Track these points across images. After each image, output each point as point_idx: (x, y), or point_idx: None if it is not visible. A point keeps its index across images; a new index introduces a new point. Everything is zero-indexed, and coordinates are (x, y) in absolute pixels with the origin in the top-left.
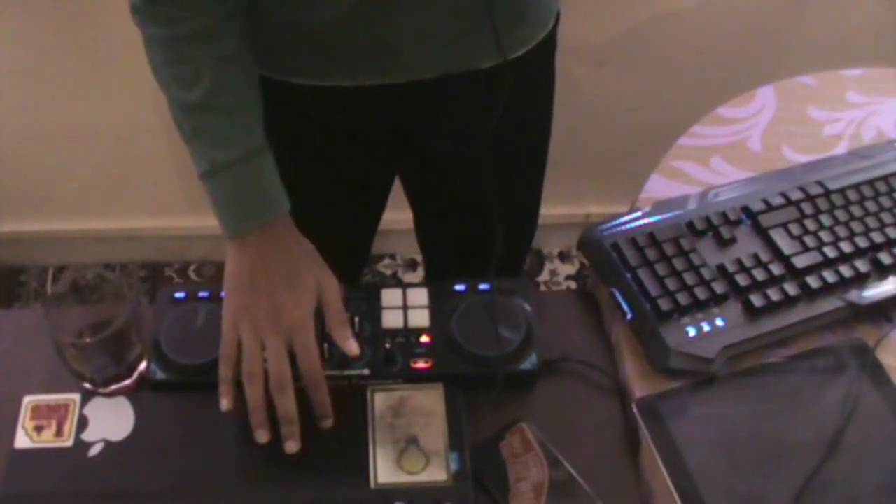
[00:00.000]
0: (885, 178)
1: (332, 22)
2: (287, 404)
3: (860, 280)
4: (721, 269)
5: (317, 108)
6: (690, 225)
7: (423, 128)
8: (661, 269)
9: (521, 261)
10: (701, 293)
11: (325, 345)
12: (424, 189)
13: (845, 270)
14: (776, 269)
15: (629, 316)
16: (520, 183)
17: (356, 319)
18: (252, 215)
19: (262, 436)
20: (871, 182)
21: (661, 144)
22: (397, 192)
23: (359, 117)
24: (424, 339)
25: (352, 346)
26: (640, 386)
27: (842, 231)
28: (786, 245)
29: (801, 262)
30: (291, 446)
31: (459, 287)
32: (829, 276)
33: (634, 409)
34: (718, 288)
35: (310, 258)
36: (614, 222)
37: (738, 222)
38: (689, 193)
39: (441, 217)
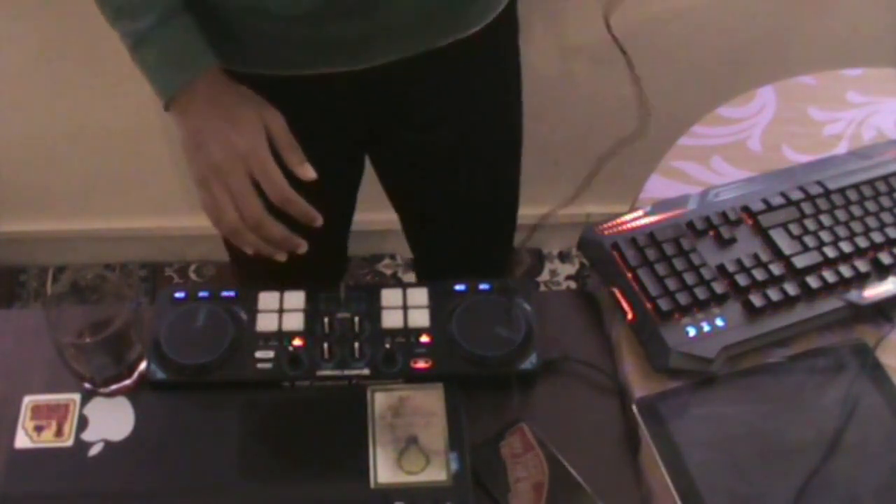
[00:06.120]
0: (885, 178)
1: (300, 14)
2: (269, 233)
3: (860, 280)
4: (721, 269)
5: (277, 96)
6: (690, 225)
7: (390, 116)
8: (661, 269)
9: (502, 255)
10: (701, 293)
11: (325, 345)
12: (402, 186)
13: (845, 270)
14: (776, 269)
15: (629, 316)
16: (493, 170)
17: (356, 319)
18: (180, 72)
19: (300, 245)
20: (871, 182)
21: (661, 144)
22: None
23: (321, 106)
24: (424, 339)
25: (307, 171)
26: (640, 386)
27: (842, 231)
28: (786, 245)
29: (801, 262)
30: (301, 245)
31: (459, 287)
32: (829, 276)
33: (634, 409)
34: (718, 288)
35: (246, 98)
36: (614, 222)
37: (738, 222)
38: (689, 193)
39: (423, 214)
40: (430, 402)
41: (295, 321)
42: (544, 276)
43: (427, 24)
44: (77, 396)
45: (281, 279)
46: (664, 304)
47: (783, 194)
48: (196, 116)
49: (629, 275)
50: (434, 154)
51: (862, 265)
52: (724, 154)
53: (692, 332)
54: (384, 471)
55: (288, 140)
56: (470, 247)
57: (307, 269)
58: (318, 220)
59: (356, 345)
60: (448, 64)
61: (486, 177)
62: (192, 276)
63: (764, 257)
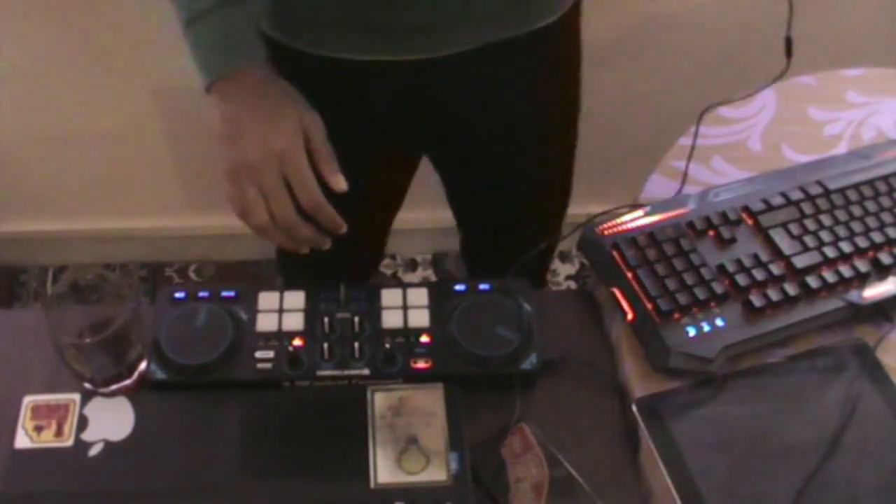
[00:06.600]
0: (885, 178)
1: None
2: (297, 235)
3: (860, 280)
4: (721, 269)
5: (336, 80)
6: (690, 225)
7: (450, 105)
8: (661, 269)
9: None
10: (701, 293)
11: (325, 345)
12: (455, 165)
13: (845, 270)
14: (776, 269)
15: (629, 316)
16: (551, 157)
17: (356, 319)
18: (231, 56)
19: (325, 242)
20: (871, 182)
21: (661, 144)
22: None
23: (381, 93)
24: (424, 339)
25: (339, 181)
26: (640, 386)
27: (842, 231)
28: (786, 245)
29: (801, 262)
30: (325, 242)
31: (459, 287)
32: (829, 276)
33: (634, 409)
34: (718, 288)
35: (290, 98)
36: (614, 222)
37: (738, 222)
38: (689, 193)
39: (475, 203)
40: (430, 402)
41: (295, 321)
42: None
43: (500, 14)
44: (77, 396)
45: (320, 270)
46: (664, 304)
47: (783, 194)
48: (237, 106)
49: (629, 275)
50: (491, 142)
51: (862, 265)
52: (724, 154)
53: (692, 332)
54: (384, 471)
55: (325, 147)
56: (518, 237)
57: (347, 261)
58: (343, 228)
59: (356, 345)
60: (517, 55)
61: (543, 167)
62: (192, 276)
63: (764, 257)
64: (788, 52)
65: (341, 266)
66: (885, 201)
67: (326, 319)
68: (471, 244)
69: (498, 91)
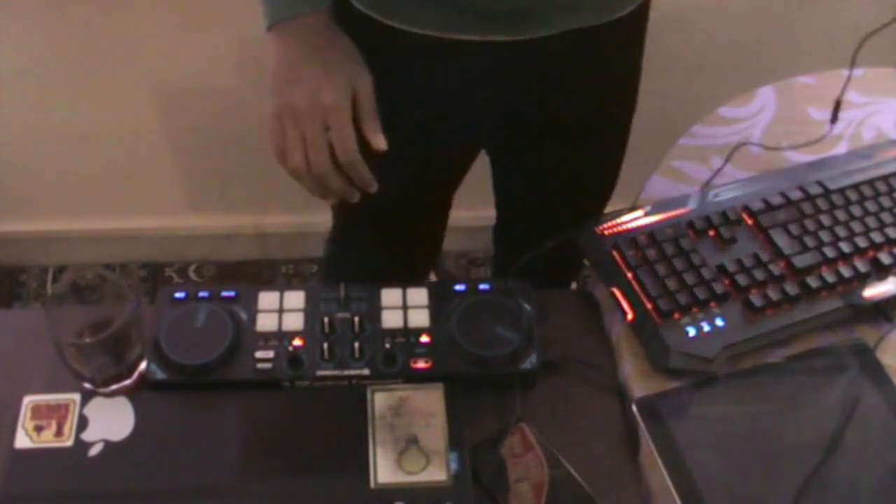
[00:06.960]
0: (885, 178)
1: None
2: (329, 184)
3: (860, 280)
4: (721, 269)
5: (427, 59)
6: (690, 225)
7: (526, 89)
8: (661, 269)
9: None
10: (701, 293)
11: (325, 345)
12: (511, 149)
13: (845, 270)
14: (776, 269)
15: (629, 316)
16: (607, 139)
17: (356, 319)
18: (294, 3)
19: (353, 195)
20: (871, 182)
21: (661, 144)
22: None
23: (465, 72)
24: (424, 339)
25: (379, 140)
26: (640, 386)
27: (842, 231)
28: (786, 245)
29: (801, 262)
30: (354, 196)
31: (459, 287)
32: (829, 276)
33: (634, 409)
34: (718, 288)
35: (345, 54)
36: (614, 222)
37: (738, 222)
38: (689, 193)
39: (525, 180)
40: (430, 402)
41: (295, 321)
42: None
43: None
44: (77, 396)
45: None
46: (664, 304)
47: (783, 194)
48: (293, 53)
49: (629, 275)
50: (555, 128)
51: (862, 265)
52: (725, 154)
53: (692, 332)
54: (384, 471)
55: (370, 106)
56: (556, 228)
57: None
58: (373, 187)
59: (356, 345)
60: (598, 42)
61: (598, 156)
62: (192, 276)
63: (764, 257)
64: (835, 115)
65: (392, 268)
66: (885, 201)
67: (326, 319)
68: (507, 232)
69: (570, 77)
